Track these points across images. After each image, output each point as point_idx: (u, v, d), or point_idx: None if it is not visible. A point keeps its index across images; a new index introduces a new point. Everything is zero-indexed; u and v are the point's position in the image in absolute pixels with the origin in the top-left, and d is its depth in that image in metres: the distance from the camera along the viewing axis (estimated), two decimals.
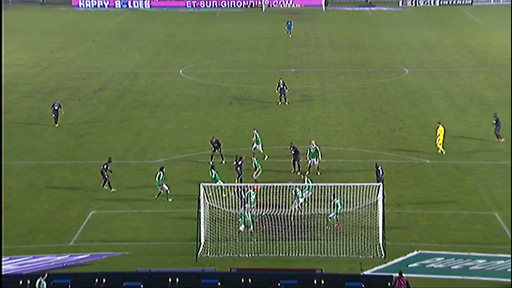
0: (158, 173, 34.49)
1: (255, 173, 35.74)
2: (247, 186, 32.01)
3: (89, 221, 32.41)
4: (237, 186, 32.16)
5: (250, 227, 30.05)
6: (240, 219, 30.28)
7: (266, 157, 39.35)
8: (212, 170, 34.75)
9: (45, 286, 24.43)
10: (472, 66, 62.38)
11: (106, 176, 35.49)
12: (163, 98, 53.26)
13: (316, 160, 37.37)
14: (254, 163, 35.84)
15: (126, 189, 35.97)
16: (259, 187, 31.53)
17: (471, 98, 52.18)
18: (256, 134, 39.96)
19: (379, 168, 33.95)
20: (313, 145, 37.55)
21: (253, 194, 31.32)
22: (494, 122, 42.54)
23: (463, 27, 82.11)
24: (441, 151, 40.12)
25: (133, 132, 45.29)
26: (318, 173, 37.40)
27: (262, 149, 39.75)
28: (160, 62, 65.81)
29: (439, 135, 40.20)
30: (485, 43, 72.19)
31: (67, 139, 44.00)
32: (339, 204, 30.53)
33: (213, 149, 39.11)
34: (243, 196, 31.47)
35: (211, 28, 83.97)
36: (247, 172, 36.21)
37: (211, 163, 37.36)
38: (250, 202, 31.14)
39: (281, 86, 50.75)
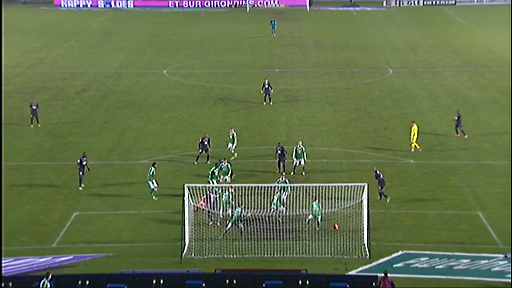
0: (150, 168, 34.43)
1: (227, 176, 35.41)
2: (224, 187, 31.93)
3: (72, 223, 32.13)
4: (214, 188, 32.06)
5: (238, 224, 29.95)
6: (228, 218, 30.29)
7: (236, 154, 39.05)
8: (214, 170, 34.50)
9: (49, 287, 24.16)
10: (456, 66, 62.65)
11: (81, 173, 35.38)
12: (147, 98, 52.99)
13: (302, 160, 37.30)
14: (227, 165, 35.54)
15: (109, 190, 35.73)
16: (232, 189, 31.39)
17: (455, 98, 52.39)
18: (233, 133, 39.80)
19: (378, 172, 33.95)
20: (299, 146, 37.48)
21: (226, 196, 31.14)
22: (456, 118, 42.88)
23: (446, 27, 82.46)
24: (415, 148, 40.30)
25: (117, 132, 45.01)
26: (303, 173, 37.35)
27: (234, 148, 39.55)
28: (144, 62, 65.49)
29: (414, 134, 40.38)
30: (469, 43, 72.55)
31: (50, 139, 43.64)
32: (315, 207, 30.44)
33: (200, 150, 38.80)
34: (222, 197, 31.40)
35: (195, 28, 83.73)
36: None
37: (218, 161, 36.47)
38: (225, 203, 31.01)
39: (266, 86, 50.65)
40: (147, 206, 33.79)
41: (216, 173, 34.69)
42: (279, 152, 37.46)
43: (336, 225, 30.56)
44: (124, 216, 32.75)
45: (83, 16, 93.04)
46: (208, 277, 25.77)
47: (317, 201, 30.65)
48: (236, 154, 39.35)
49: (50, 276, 24.39)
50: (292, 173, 37.04)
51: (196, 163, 38.70)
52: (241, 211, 30.07)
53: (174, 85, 56.96)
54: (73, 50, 70.91)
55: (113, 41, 75.24)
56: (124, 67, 63.39)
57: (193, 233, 29.90)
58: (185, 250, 29.00)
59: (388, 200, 33.68)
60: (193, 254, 28.88)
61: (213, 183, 33.83)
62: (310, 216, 30.73)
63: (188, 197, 29.57)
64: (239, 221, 30.03)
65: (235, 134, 39.92)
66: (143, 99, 52.66)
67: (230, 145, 39.63)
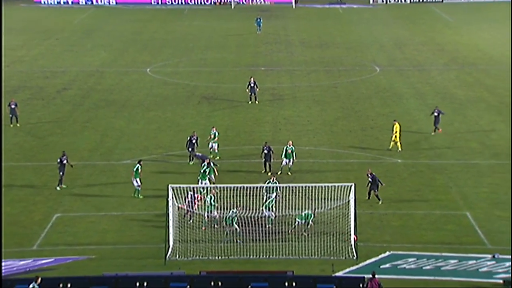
0: (136, 165, 34.05)
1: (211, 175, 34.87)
2: (208, 189, 31.47)
3: (53, 224, 31.62)
4: (198, 188, 31.65)
5: (232, 225, 29.61)
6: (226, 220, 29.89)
7: (218, 157, 38.58)
8: (206, 169, 33.94)
9: None
10: (443, 64, 62.50)
11: (61, 173, 34.89)
12: (130, 97, 52.39)
13: (291, 160, 36.87)
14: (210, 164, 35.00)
15: (92, 190, 35.17)
16: (215, 191, 31.01)
17: (442, 96, 52.18)
18: (215, 132, 39.29)
19: (373, 174, 33.56)
20: (289, 146, 37.06)
21: (210, 198, 30.73)
22: (436, 114, 42.84)
23: (433, 25, 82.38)
24: (396, 147, 40.00)
25: (99, 132, 44.41)
26: (289, 173, 36.93)
27: (217, 148, 39.07)
28: (126, 60, 64.82)
29: (395, 132, 40.09)
30: (456, 41, 72.48)
31: (30, 139, 42.98)
32: (302, 214, 30.02)
33: (190, 149, 38.23)
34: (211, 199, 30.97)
35: (179, 25, 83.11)
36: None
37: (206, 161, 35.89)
38: (210, 205, 30.61)
39: (252, 85, 50.19)
40: (130, 207, 33.29)
41: (207, 172, 34.08)
42: (265, 151, 36.99)
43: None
44: (106, 218, 32.26)
45: (64, 13, 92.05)
46: (193, 279, 25.51)
47: (309, 210, 30.05)
48: (218, 156, 38.70)
49: (39, 280, 23.89)
50: (279, 172, 36.60)
51: (191, 163, 38.09)
52: (236, 212, 29.65)
53: (158, 83, 56.36)
54: (53, 48, 70.07)
55: (95, 39, 74.43)
56: (106, 65, 62.68)
57: (178, 234, 29.50)
58: (169, 252, 28.61)
59: (379, 203, 33.27)
60: (177, 256, 28.49)
61: (203, 183, 33.29)
62: (297, 221, 30.26)
63: (172, 197, 29.13)
64: (233, 223, 29.70)
65: (217, 133, 39.43)
66: (126, 98, 52.04)
67: (211, 144, 39.09)
